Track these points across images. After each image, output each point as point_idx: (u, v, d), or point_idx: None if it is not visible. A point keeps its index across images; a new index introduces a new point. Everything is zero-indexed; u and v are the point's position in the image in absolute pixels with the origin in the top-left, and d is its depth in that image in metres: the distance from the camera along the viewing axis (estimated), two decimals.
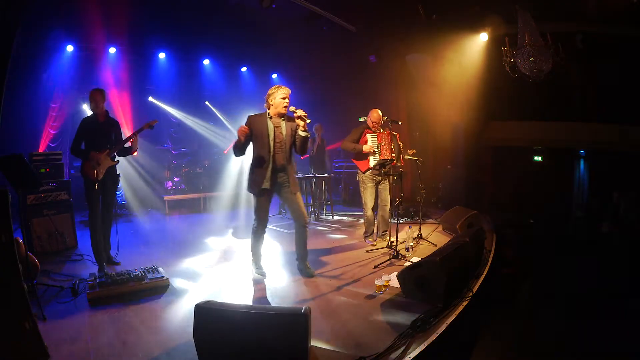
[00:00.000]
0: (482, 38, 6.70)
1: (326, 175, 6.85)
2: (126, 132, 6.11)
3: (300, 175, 6.04)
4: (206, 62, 8.50)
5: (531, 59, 5.40)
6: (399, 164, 4.78)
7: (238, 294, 3.20)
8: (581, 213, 7.02)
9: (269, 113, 3.37)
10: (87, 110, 6.34)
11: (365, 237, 4.95)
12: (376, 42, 7.56)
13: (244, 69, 9.20)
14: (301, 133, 3.28)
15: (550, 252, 5.20)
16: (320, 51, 7.89)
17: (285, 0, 5.73)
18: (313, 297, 3.10)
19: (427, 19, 6.37)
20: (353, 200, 7.69)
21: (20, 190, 3.11)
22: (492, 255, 4.15)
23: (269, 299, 3.13)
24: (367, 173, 4.69)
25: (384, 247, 4.42)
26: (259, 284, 3.42)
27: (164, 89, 8.08)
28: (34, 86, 6.30)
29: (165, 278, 3.21)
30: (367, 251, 4.42)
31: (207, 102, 8.93)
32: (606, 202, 6.10)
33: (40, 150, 6.21)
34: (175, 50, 7.78)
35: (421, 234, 4.97)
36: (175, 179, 7.66)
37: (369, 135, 4.69)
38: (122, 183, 6.57)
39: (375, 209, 4.87)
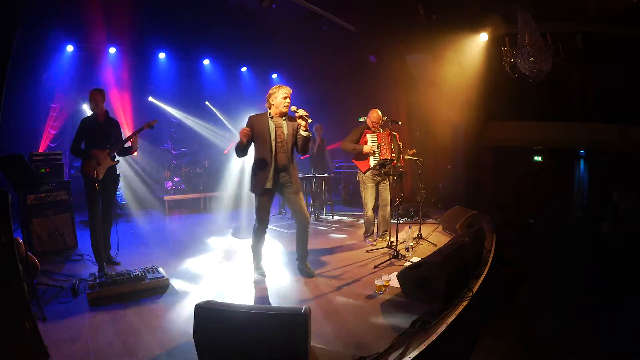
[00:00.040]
0: (482, 38, 6.70)
1: (326, 175, 6.85)
2: (126, 132, 6.11)
3: (300, 175, 6.04)
4: (206, 62, 8.50)
5: (531, 59, 5.40)
6: (399, 164, 4.78)
7: (238, 294, 3.20)
8: (581, 213, 7.02)
9: (270, 113, 3.36)
10: (87, 110, 6.34)
11: (366, 237, 4.95)
12: (376, 42, 7.56)
13: (244, 69, 9.20)
14: (303, 133, 3.27)
15: (550, 252, 5.20)
16: (320, 51, 7.90)
17: (285, 0, 5.74)
18: (313, 297, 3.10)
19: (427, 19, 6.37)
20: (353, 200, 7.69)
21: (20, 190, 3.12)
22: (492, 255, 4.15)
23: (269, 299, 3.13)
24: (367, 173, 4.70)
25: (384, 247, 4.42)
26: (259, 284, 3.42)
27: (164, 89, 8.08)
28: (34, 86, 6.30)
29: (165, 278, 3.21)
30: (367, 251, 4.42)
31: (207, 102, 8.93)
32: (606, 202, 6.10)
33: (41, 150, 6.21)
34: (175, 50, 7.78)
35: (421, 234, 4.97)
36: (175, 179, 7.66)
37: (368, 136, 4.69)
38: (122, 183, 6.57)
39: (375, 209, 4.87)
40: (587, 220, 6.65)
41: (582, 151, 7.19)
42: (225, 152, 8.94)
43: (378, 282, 3.17)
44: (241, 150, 3.29)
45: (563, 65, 5.46)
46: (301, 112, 3.18)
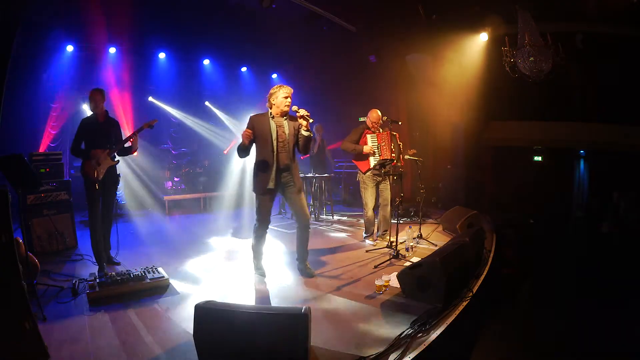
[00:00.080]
0: (482, 38, 6.70)
1: (326, 175, 6.85)
2: (126, 132, 6.10)
3: (300, 175, 6.04)
4: (206, 62, 8.50)
5: (531, 59, 5.40)
6: (399, 164, 4.78)
7: (238, 294, 3.20)
8: (581, 213, 7.02)
9: (271, 113, 3.36)
10: (87, 110, 6.34)
11: (366, 237, 4.95)
12: (376, 42, 7.56)
13: (244, 69, 9.20)
14: (304, 132, 3.26)
15: (550, 252, 5.20)
16: (320, 51, 7.90)
17: (285, 0, 5.74)
18: (313, 297, 3.10)
19: (427, 19, 6.38)
20: (353, 200, 7.69)
21: (20, 190, 3.12)
22: (492, 255, 4.15)
23: (269, 299, 3.13)
24: (368, 173, 4.70)
25: (384, 247, 4.43)
26: (259, 284, 3.42)
27: (164, 89, 8.08)
28: (34, 86, 6.30)
29: (165, 278, 3.21)
30: (367, 251, 4.42)
31: (207, 102, 8.93)
32: (606, 202, 6.10)
33: (41, 150, 6.20)
34: (175, 50, 7.78)
35: (421, 234, 4.97)
36: (175, 179, 7.66)
37: (368, 136, 4.69)
38: (122, 183, 6.57)
39: (375, 209, 4.88)
40: (587, 220, 6.65)
41: (582, 151, 7.19)
42: (225, 152, 8.94)
43: (378, 282, 3.17)
44: (243, 151, 3.29)
45: (563, 65, 5.46)
46: (302, 111, 3.17)
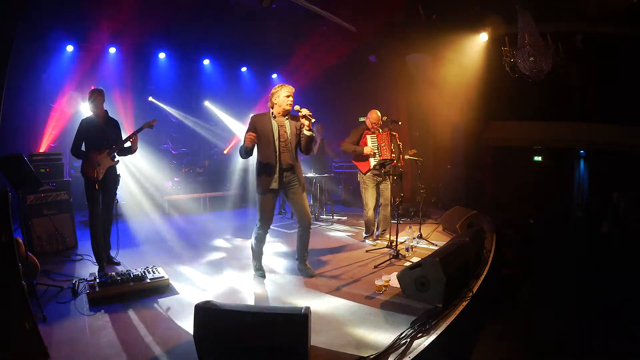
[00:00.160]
0: (482, 38, 6.70)
1: (326, 175, 6.85)
2: (126, 132, 6.10)
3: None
4: (206, 62, 8.50)
5: (531, 59, 5.40)
6: (399, 164, 4.78)
7: (238, 294, 3.20)
8: (581, 213, 7.01)
9: (272, 112, 3.35)
10: (87, 110, 6.34)
11: (366, 237, 4.96)
12: (376, 42, 7.56)
13: (244, 69, 9.20)
14: (306, 132, 3.26)
15: (550, 252, 5.20)
16: (320, 51, 7.90)
17: (285, 0, 5.73)
18: (313, 297, 3.10)
19: (427, 19, 6.37)
20: (353, 200, 7.69)
21: (20, 190, 3.12)
22: (492, 255, 4.15)
23: (269, 299, 3.13)
24: (368, 174, 4.70)
25: (384, 247, 4.43)
26: (259, 284, 3.42)
27: (164, 89, 8.08)
28: (34, 86, 6.30)
29: (165, 278, 3.21)
30: (367, 251, 4.42)
31: (207, 102, 8.93)
32: (606, 202, 6.10)
33: (41, 150, 6.20)
34: (175, 50, 7.78)
35: (421, 234, 4.97)
36: (175, 179, 7.66)
37: (368, 137, 4.69)
38: (122, 183, 6.57)
39: (376, 208, 4.88)
40: (587, 220, 6.64)
41: (582, 151, 7.19)
42: (225, 152, 8.94)
43: (378, 282, 3.17)
44: (246, 153, 3.24)
45: (563, 65, 5.46)
46: (304, 111, 3.17)
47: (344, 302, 3.00)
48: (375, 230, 4.98)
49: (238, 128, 8.98)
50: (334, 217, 6.71)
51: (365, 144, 4.68)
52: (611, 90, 6.20)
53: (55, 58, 6.55)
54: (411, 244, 4.51)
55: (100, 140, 3.73)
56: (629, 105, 6.07)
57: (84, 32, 6.36)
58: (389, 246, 4.39)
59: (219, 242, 5.02)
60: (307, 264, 3.62)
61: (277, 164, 3.29)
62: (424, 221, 5.81)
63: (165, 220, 6.52)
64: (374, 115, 4.74)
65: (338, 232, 5.64)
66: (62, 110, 6.59)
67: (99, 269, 3.61)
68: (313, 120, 3.19)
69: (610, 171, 6.39)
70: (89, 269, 3.69)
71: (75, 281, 3.18)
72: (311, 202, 6.61)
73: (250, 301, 3.09)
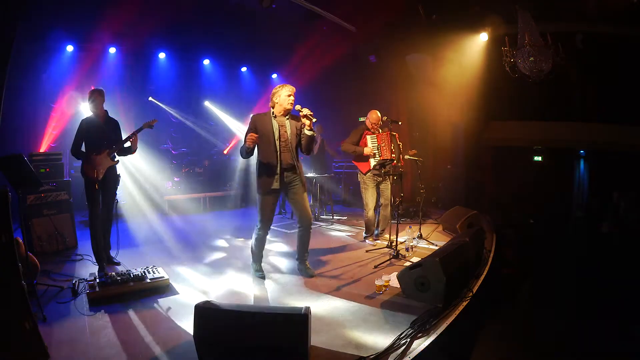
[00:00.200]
0: (482, 38, 6.70)
1: (326, 175, 6.85)
2: (126, 132, 6.10)
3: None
4: (206, 62, 8.51)
5: (531, 59, 5.40)
6: (399, 164, 4.78)
7: (238, 294, 3.20)
8: (581, 213, 7.01)
9: (273, 112, 3.35)
10: (87, 110, 6.33)
11: (366, 237, 4.96)
12: (376, 42, 7.56)
13: (244, 69, 9.20)
14: (307, 132, 3.25)
15: (550, 252, 5.20)
16: (320, 51, 7.90)
17: (285, 0, 5.73)
18: (313, 297, 3.10)
19: (427, 19, 6.37)
20: (353, 200, 7.69)
21: (20, 190, 3.12)
22: (492, 255, 4.15)
23: (269, 299, 3.13)
24: (368, 174, 4.70)
25: (384, 247, 4.43)
26: (259, 284, 3.42)
27: (164, 89, 8.08)
28: (34, 86, 6.30)
29: (165, 278, 3.21)
30: (367, 251, 4.42)
31: (207, 102, 8.93)
32: (606, 202, 6.10)
33: (41, 150, 6.20)
34: (175, 50, 7.78)
35: (421, 234, 4.97)
36: (175, 179, 7.66)
37: (368, 137, 4.69)
38: (122, 183, 6.57)
39: (376, 208, 4.88)
40: (587, 220, 6.64)
41: (582, 151, 7.19)
42: (225, 152, 8.94)
43: (378, 282, 3.17)
44: (247, 153, 3.23)
45: (563, 65, 5.46)
46: (305, 111, 3.16)
47: (344, 302, 3.00)
48: (375, 229, 4.98)
49: (238, 128, 8.98)
50: (334, 217, 6.71)
51: (365, 144, 4.68)
52: (611, 90, 6.20)
53: (55, 58, 6.55)
54: (411, 244, 4.51)
55: (100, 141, 3.73)
56: (629, 105, 6.07)
57: (84, 32, 6.36)
58: (389, 246, 4.39)
59: (218, 242, 5.02)
60: (307, 264, 3.62)
61: (278, 164, 3.29)
62: (424, 221, 5.81)
63: (165, 220, 6.52)
64: (374, 115, 4.74)
65: (338, 232, 5.64)
66: (63, 110, 6.59)
67: (99, 269, 3.61)
68: (314, 119, 3.18)
69: (610, 171, 6.39)
70: (89, 269, 3.69)
71: (75, 281, 3.18)
72: (311, 202, 6.61)
73: (250, 301, 3.09)
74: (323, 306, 2.91)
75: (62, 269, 3.76)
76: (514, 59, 5.54)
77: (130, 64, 7.42)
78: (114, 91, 7.16)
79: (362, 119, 5.48)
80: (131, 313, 2.76)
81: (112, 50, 7.09)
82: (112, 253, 4.02)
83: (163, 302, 2.99)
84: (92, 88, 3.85)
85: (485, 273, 3.60)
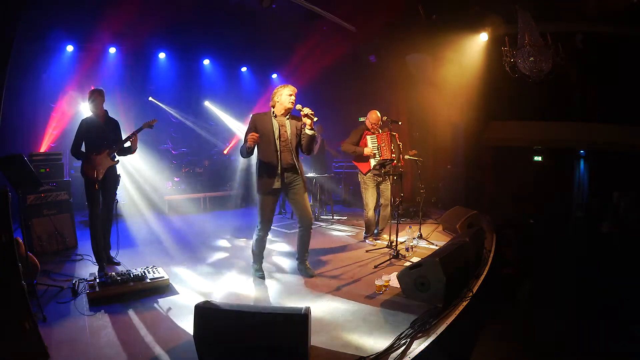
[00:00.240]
0: (482, 38, 6.70)
1: (326, 175, 6.85)
2: (126, 132, 6.10)
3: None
4: (206, 62, 8.51)
5: (531, 59, 5.40)
6: (399, 164, 4.79)
7: (238, 294, 3.20)
8: (581, 213, 7.01)
9: (273, 112, 3.35)
10: (87, 110, 6.33)
11: (366, 237, 4.96)
12: (376, 42, 7.55)
13: (244, 69, 9.20)
14: (308, 131, 3.25)
15: (550, 252, 5.20)
16: (320, 51, 7.90)
17: (285, 0, 5.73)
18: (313, 297, 3.10)
19: (427, 19, 6.37)
20: (353, 200, 7.69)
21: (20, 190, 3.12)
22: (492, 255, 4.15)
23: (269, 299, 3.13)
24: (368, 174, 4.70)
25: (384, 247, 4.43)
26: (259, 285, 3.42)
27: (164, 89, 8.08)
28: (34, 86, 6.30)
29: (165, 278, 3.21)
30: (367, 251, 4.42)
31: (207, 102, 8.94)
32: (606, 202, 6.09)
33: (42, 150, 6.20)
34: (175, 50, 7.78)
35: (421, 234, 4.97)
36: (175, 179, 7.66)
37: (368, 137, 4.70)
38: (122, 183, 6.57)
39: (376, 208, 4.88)
40: (587, 220, 6.64)
41: (582, 151, 7.18)
42: (225, 152, 8.94)
43: (378, 282, 3.17)
44: (247, 153, 3.22)
45: (563, 65, 5.46)
46: (306, 110, 3.16)
47: (344, 302, 3.00)
48: (375, 229, 4.98)
49: (238, 128, 8.98)
50: (334, 217, 6.71)
51: (365, 145, 4.68)
52: (611, 90, 6.19)
53: (55, 58, 6.56)
54: (411, 244, 4.51)
55: (100, 141, 3.73)
56: (629, 105, 6.07)
57: (84, 32, 6.36)
58: (389, 246, 4.39)
59: (218, 242, 5.02)
60: (307, 264, 3.62)
61: (279, 164, 3.29)
62: (424, 221, 5.81)
63: (165, 220, 6.52)
64: (374, 115, 4.74)
65: (338, 232, 5.64)
66: (63, 110, 6.59)
67: (99, 269, 3.61)
68: (315, 119, 3.18)
69: (610, 171, 6.39)
70: (89, 269, 3.70)
71: (75, 281, 3.18)
72: (311, 202, 6.61)
73: (250, 301, 3.09)
74: (323, 306, 2.91)
75: (62, 269, 3.76)
76: (514, 59, 5.54)
77: (130, 64, 7.42)
78: (114, 91, 7.16)
79: (362, 119, 5.49)
80: (131, 313, 2.76)
81: (112, 50, 7.09)
82: (112, 253, 4.03)
83: (163, 302, 2.99)
84: (92, 88, 3.86)
85: (485, 273, 3.60)
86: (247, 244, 4.57)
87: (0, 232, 2.05)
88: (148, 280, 3.12)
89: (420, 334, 2.42)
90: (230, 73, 8.90)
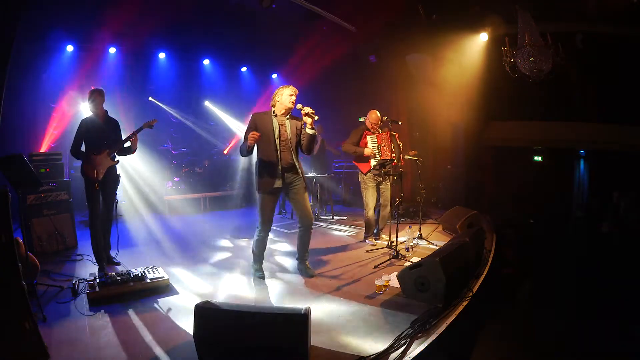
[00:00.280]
0: (482, 38, 6.70)
1: (326, 175, 6.85)
2: (126, 132, 6.10)
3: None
4: (206, 62, 8.50)
5: (531, 59, 5.40)
6: (399, 164, 4.79)
7: (238, 294, 3.20)
8: (581, 213, 7.01)
9: (274, 111, 3.36)
10: (87, 110, 6.33)
11: (366, 237, 4.96)
12: (376, 42, 7.55)
13: (244, 69, 9.20)
14: (309, 130, 3.25)
15: (550, 252, 5.20)
16: (320, 51, 7.89)
17: (285, 0, 5.73)
18: (313, 297, 3.10)
19: (427, 19, 6.37)
20: (353, 200, 7.70)
21: (20, 190, 3.12)
22: (492, 255, 4.15)
23: (269, 299, 3.13)
24: (369, 174, 4.70)
25: (384, 247, 4.43)
26: (259, 284, 3.42)
27: (164, 89, 8.07)
28: (34, 86, 6.30)
29: (165, 278, 3.21)
30: (367, 251, 4.42)
31: (207, 102, 8.93)
32: (606, 202, 6.10)
33: (42, 150, 6.20)
34: (175, 50, 7.78)
35: (421, 234, 4.97)
36: (175, 179, 7.66)
37: (368, 137, 4.70)
38: (122, 183, 6.57)
39: (376, 208, 4.89)
40: (587, 220, 6.64)
41: (582, 151, 7.19)
42: (226, 152, 8.94)
43: (378, 282, 3.17)
44: (247, 151, 3.22)
45: (563, 65, 5.46)
46: (307, 109, 3.17)
47: (344, 302, 3.00)
48: (375, 229, 4.99)
49: (238, 128, 8.98)
50: (334, 217, 6.71)
51: (366, 145, 4.68)
52: (611, 90, 6.19)
53: (55, 58, 6.55)
54: (411, 244, 4.51)
55: (100, 141, 3.73)
56: (629, 105, 6.07)
57: (84, 32, 6.36)
58: (389, 246, 4.39)
59: (219, 242, 5.02)
60: (307, 264, 3.62)
61: (279, 163, 3.29)
62: (424, 221, 5.81)
63: (165, 220, 6.52)
64: (374, 115, 4.74)
65: (338, 232, 5.64)
66: (63, 110, 6.59)
67: (99, 269, 3.61)
68: (316, 117, 3.18)
69: (610, 171, 6.39)
70: (89, 269, 3.70)
71: (75, 281, 3.18)
72: (311, 202, 6.61)
73: (250, 301, 3.09)
74: (323, 306, 2.91)
75: (62, 269, 3.76)
76: (514, 59, 5.54)
77: (130, 64, 7.41)
78: (114, 91, 7.16)
79: (362, 119, 5.49)
80: (131, 313, 2.76)
81: (112, 50, 7.09)
82: (112, 253, 4.03)
83: (163, 302, 2.99)
84: (92, 88, 3.85)
85: (485, 273, 3.60)
86: (247, 244, 4.56)
87: (0, 232, 2.05)
88: (148, 281, 3.12)
89: (420, 334, 2.42)
90: (230, 73, 8.90)
